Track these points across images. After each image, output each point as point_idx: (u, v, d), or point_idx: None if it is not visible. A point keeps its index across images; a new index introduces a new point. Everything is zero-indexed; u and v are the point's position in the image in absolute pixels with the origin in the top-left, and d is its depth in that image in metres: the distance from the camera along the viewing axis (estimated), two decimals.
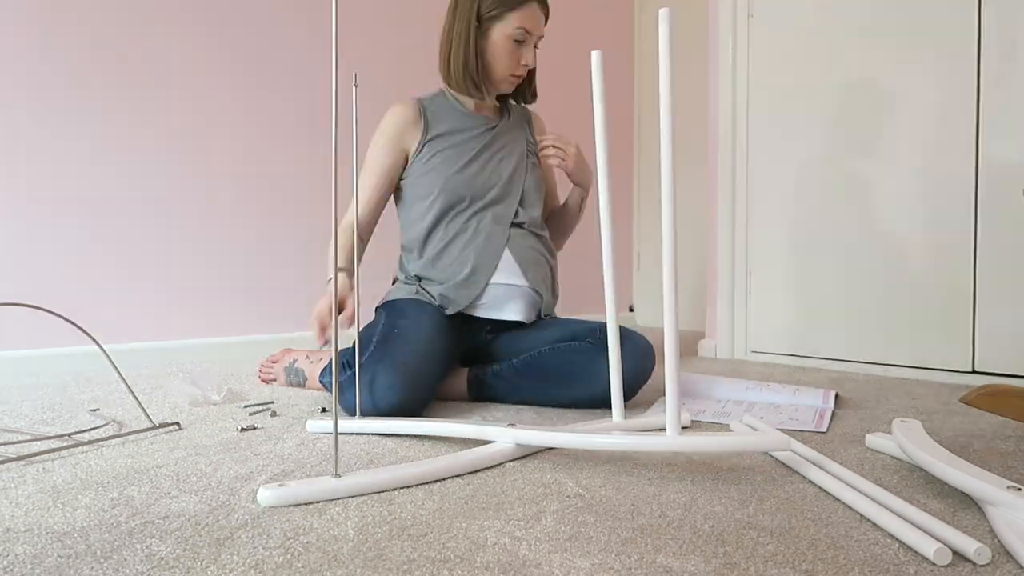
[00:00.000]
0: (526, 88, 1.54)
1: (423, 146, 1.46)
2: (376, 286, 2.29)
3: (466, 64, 1.42)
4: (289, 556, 0.65)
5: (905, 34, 1.77)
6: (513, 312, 1.43)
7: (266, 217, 2.21)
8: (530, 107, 1.61)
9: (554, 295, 1.53)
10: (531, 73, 1.52)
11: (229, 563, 0.64)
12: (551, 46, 2.94)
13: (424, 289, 1.44)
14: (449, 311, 1.40)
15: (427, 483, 0.87)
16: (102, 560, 0.64)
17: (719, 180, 2.16)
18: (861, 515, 0.75)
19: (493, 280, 1.41)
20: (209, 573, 0.62)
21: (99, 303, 1.92)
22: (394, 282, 1.55)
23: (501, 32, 1.40)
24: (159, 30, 2.00)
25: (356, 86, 1.09)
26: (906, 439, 0.91)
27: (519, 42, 1.41)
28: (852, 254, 1.88)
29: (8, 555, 0.66)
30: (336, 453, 0.83)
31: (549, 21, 1.47)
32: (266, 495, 0.79)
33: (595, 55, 1.09)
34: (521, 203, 1.48)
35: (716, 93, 2.17)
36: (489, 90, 1.47)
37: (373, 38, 2.40)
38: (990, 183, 1.64)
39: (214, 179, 2.11)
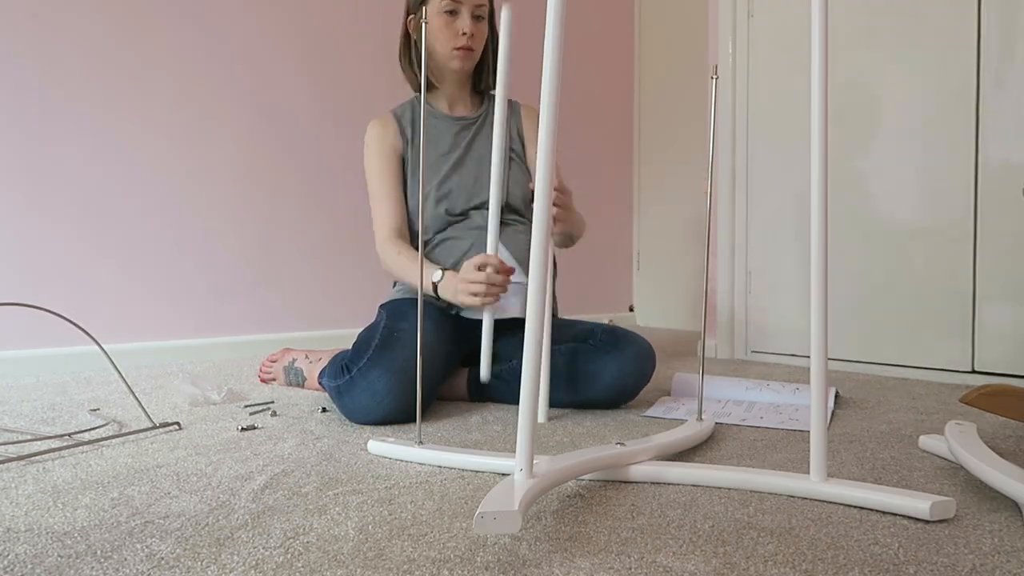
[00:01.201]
0: (486, 69, 1.49)
1: (406, 160, 1.47)
2: (377, 286, 2.29)
3: (407, 58, 1.46)
4: (289, 556, 0.65)
5: (905, 34, 1.77)
6: (514, 310, 1.43)
7: (266, 217, 2.20)
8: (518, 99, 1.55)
9: (553, 292, 1.53)
10: (489, 51, 1.47)
11: (229, 563, 0.64)
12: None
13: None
14: (452, 311, 1.40)
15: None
16: (102, 560, 0.64)
17: (719, 180, 2.16)
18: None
19: None
20: (209, 573, 0.62)
21: (99, 303, 1.92)
22: (395, 283, 1.55)
23: (432, 10, 1.38)
24: (159, 30, 2.00)
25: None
26: (955, 441, 0.89)
27: (451, 13, 1.38)
28: (852, 254, 1.88)
29: (8, 555, 0.66)
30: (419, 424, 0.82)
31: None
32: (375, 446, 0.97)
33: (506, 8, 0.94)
34: (508, 200, 1.46)
35: (716, 93, 2.17)
36: (443, 73, 1.45)
37: (375, 39, 2.40)
38: (990, 183, 1.64)
39: (214, 179, 2.11)
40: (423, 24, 1.06)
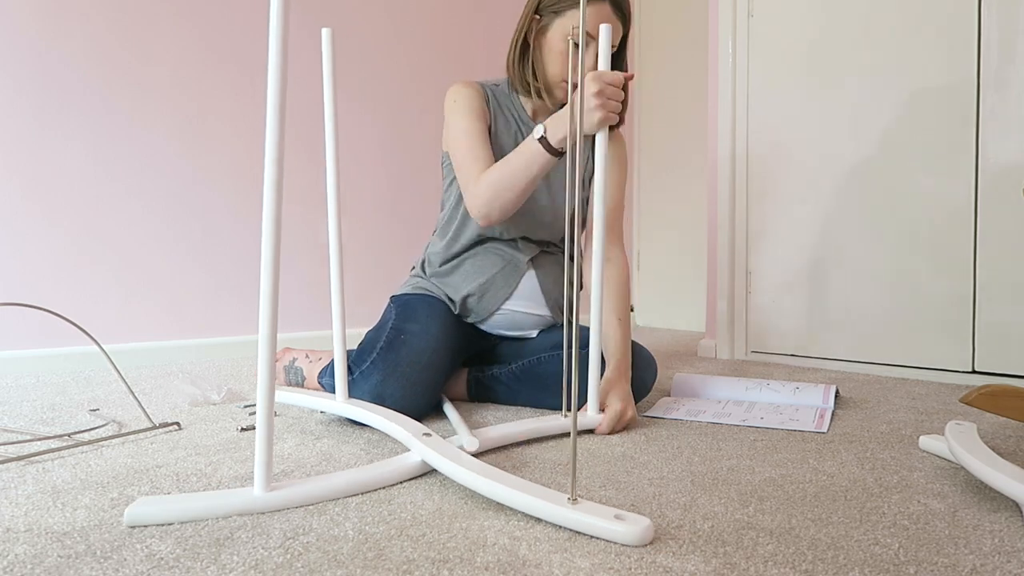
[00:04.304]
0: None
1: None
2: (378, 287, 2.28)
3: (521, 61, 1.34)
4: (289, 556, 0.65)
5: (905, 34, 1.77)
6: (529, 333, 1.43)
7: None
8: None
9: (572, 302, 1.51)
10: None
11: (229, 563, 0.64)
12: None
13: (439, 288, 1.41)
14: (467, 318, 1.40)
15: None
16: (102, 560, 0.64)
17: (719, 180, 2.16)
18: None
19: (511, 307, 1.38)
20: (209, 573, 0.62)
21: (99, 303, 1.92)
22: (412, 269, 1.52)
23: (559, 28, 1.29)
24: (158, 30, 2.00)
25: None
26: (955, 441, 0.89)
27: (578, 45, 1.23)
28: (852, 254, 1.88)
29: (8, 555, 0.66)
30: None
31: None
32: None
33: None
34: (559, 234, 1.41)
35: (716, 93, 2.17)
36: (545, 94, 1.35)
37: (381, 35, 2.40)
38: (990, 183, 1.64)
39: (214, 178, 2.11)
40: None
